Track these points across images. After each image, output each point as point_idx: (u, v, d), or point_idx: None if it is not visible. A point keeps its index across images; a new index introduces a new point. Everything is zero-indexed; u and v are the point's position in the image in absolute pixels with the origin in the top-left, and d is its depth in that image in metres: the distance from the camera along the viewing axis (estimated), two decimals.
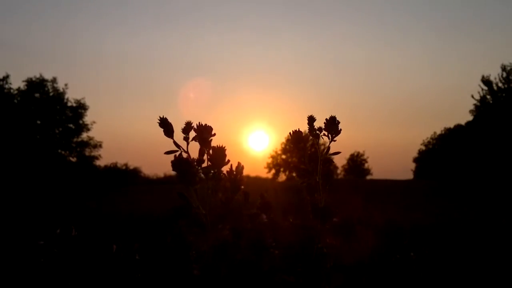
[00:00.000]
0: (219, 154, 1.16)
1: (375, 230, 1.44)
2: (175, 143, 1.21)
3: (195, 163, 1.16)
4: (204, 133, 1.19)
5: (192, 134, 1.24)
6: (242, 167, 1.20)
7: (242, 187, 1.19)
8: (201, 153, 1.19)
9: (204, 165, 1.18)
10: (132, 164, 37.30)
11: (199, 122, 1.22)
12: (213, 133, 1.21)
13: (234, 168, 1.20)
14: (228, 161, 1.18)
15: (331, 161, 1.54)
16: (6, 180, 23.12)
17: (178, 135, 1.25)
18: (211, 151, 1.18)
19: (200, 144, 1.20)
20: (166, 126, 1.23)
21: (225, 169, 1.19)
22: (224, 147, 1.18)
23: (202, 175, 1.16)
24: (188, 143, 1.21)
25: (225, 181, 1.18)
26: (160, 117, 1.23)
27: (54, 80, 31.49)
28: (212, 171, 1.17)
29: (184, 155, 1.18)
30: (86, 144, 32.29)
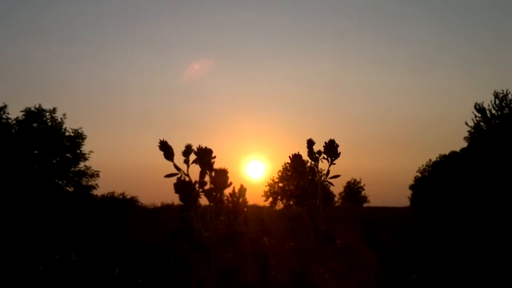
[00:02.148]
0: (222, 176, 1.16)
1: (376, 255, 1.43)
2: (175, 166, 1.21)
3: (197, 186, 1.16)
4: (205, 155, 1.19)
5: (192, 157, 1.24)
6: (245, 190, 1.20)
7: (245, 209, 1.19)
8: (202, 175, 1.18)
9: (206, 187, 1.18)
10: (129, 194, 37.00)
11: (199, 145, 1.22)
12: (213, 155, 1.22)
13: (236, 191, 1.19)
14: (231, 183, 1.18)
15: (330, 185, 1.54)
16: (3, 210, 22.91)
17: (177, 160, 1.25)
18: (213, 173, 1.17)
19: (201, 166, 1.20)
20: (166, 149, 1.23)
21: (227, 191, 1.19)
22: (226, 169, 1.18)
23: (205, 197, 1.16)
24: (188, 166, 1.21)
25: (227, 204, 1.18)
26: (160, 140, 1.23)
27: (53, 110, 31.58)
28: (214, 194, 1.16)
29: (185, 178, 1.18)
30: (83, 173, 32.11)
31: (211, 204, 1.18)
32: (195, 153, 1.21)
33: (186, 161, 1.21)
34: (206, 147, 1.21)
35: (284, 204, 47.15)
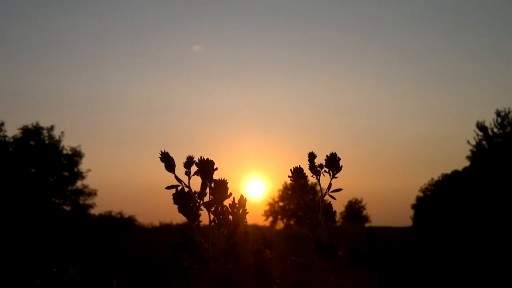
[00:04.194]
0: (221, 187, 1.15)
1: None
2: (177, 178, 1.20)
3: (197, 197, 1.14)
4: (206, 166, 1.17)
5: (194, 170, 1.22)
6: (245, 200, 1.18)
7: (246, 221, 1.17)
8: (203, 186, 1.17)
9: (206, 199, 1.16)
10: (127, 213, 36.75)
11: (201, 156, 1.21)
12: (215, 167, 1.20)
13: (236, 201, 1.18)
14: (231, 194, 1.16)
15: (332, 199, 1.52)
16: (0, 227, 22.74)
17: (178, 174, 1.23)
18: (213, 185, 1.16)
19: (202, 178, 1.19)
20: (167, 161, 1.22)
21: (227, 202, 1.17)
22: (226, 180, 1.16)
23: (204, 208, 1.14)
24: (189, 178, 1.20)
25: (228, 215, 1.16)
26: (161, 151, 1.22)
27: (50, 128, 31.58)
28: (214, 205, 1.15)
29: (186, 189, 1.17)
30: (81, 192, 31.97)
31: (211, 216, 1.16)
32: (197, 164, 1.20)
33: (188, 173, 1.20)
34: (207, 158, 1.20)
35: (284, 224, 46.86)
